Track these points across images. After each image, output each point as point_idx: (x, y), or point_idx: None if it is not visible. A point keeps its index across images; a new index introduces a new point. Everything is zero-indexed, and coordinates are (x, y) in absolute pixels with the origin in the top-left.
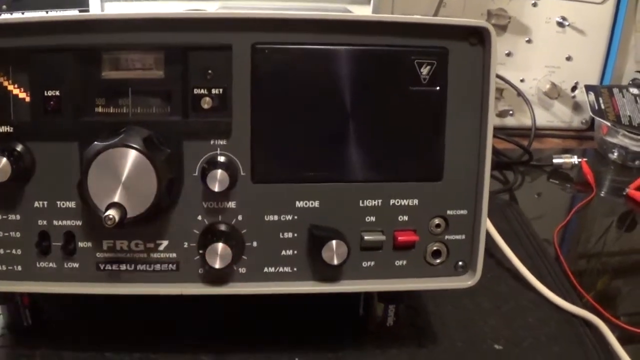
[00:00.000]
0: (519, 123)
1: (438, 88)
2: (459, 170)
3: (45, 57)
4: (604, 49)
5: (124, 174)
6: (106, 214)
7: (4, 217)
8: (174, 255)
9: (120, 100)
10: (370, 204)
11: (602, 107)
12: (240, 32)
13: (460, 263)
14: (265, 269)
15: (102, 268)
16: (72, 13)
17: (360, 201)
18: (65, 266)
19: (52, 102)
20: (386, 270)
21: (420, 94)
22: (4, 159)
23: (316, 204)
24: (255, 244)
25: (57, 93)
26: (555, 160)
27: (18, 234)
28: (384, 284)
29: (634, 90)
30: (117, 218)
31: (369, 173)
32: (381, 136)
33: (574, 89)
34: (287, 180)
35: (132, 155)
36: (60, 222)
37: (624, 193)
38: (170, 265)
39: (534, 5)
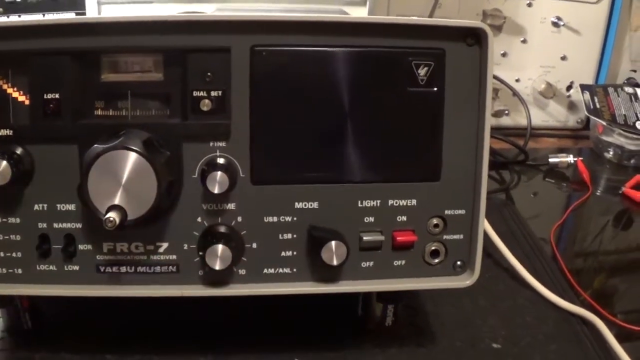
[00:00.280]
0: (514, 123)
1: (435, 89)
2: (456, 171)
3: (44, 60)
4: (598, 48)
5: (124, 176)
6: (107, 216)
7: (4, 220)
8: (174, 257)
9: (120, 103)
10: (368, 205)
11: (598, 106)
12: (239, 34)
13: (458, 263)
14: (265, 270)
15: (102, 270)
16: (68, 16)
17: (359, 202)
18: (66, 269)
19: (51, 105)
20: (385, 271)
21: (418, 95)
22: (4, 162)
23: (315, 205)
24: (254, 245)
25: (57, 96)
26: (551, 160)
27: (18, 237)
28: (383, 284)
29: (629, 90)
30: (117, 220)
31: (368, 174)
32: (379, 137)
33: (569, 88)
34: (286, 181)
35: (132, 157)
36: (60, 225)
37: (620, 192)
38: (171, 267)
39: (529, 5)
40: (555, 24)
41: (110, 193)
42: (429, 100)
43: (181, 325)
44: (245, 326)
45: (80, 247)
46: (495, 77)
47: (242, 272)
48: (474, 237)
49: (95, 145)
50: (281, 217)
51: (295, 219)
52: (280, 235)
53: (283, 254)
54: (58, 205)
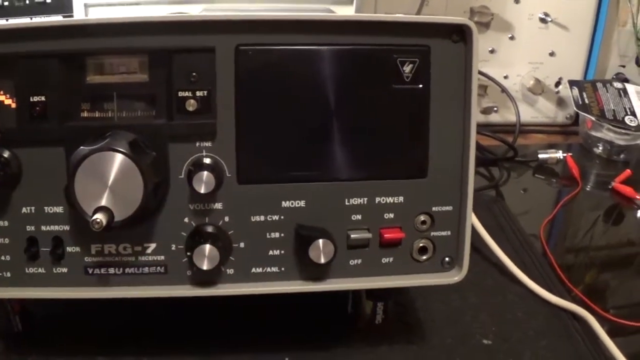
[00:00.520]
0: (503, 119)
1: (421, 86)
2: (443, 167)
3: (30, 63)
4: (587, 44)
5: (111, 178)
6: (93, 218)
7: None
8: (162, 257)
9: (106, 105)
10: (355, 202)
11: (586, 101)
12: (224, 34)
13: (446, 259)
14: (253, 270)
15: (90, 272)
16: (56, 19)
17: (346, 200)
18: (54, 271)
19: (37, 108)
20: (373, 268)
21: (404, 92)
22: None
23: (302, 203)
24: (242, 244)
25: (43, 99)
26: (540, 156)
27: (6, 240)
28: (371, 282)
29: (618, 85)
30: (104, 222)
31: (354, 172)
32: (365, 135)
33: (557, 84)
34: (273, 180)
35: (118, 159)
36: (48, 227)
37: (610, 187)
38: (159, 267)
39: (516, 1)
40: (543, 20)
41: (96, 194)
42: (415, 98)
43: (172, 325)
44: (236, 326)
45: (69, 249)
46: (483, 74)
47: (230, 271)
48: (461, 233)
49: (81, 147)
50: (268, 216)
51: (282, 217)
52: (267, 234)
53: (271, 253)
54: (46, 208)
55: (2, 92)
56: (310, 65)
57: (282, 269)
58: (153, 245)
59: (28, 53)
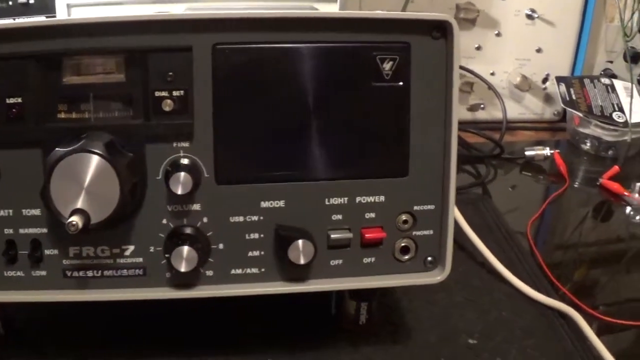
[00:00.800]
0: (490, 116)
1: (401, 83)
2: (424, 165)
3: (6, 65)
4: (574, 40)
5: (87, 179)
6: (69, 220)
7: None
8: (141, 260)
9: (83, 106)
10: (336, 202)
11: (574, 97)
12: (200, 33)
13: (429, 258)
14: (233, 271)
15: (69, 275)
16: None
17: (326, 199)
18: (33, 274)
19: (14, 110)
20: (355, 268)
21: (384, 90)
22: None
23: (281, 203)
24: (221, 246)
25: (19, 100)
26: (527, 153)
27: None
28: (353, 282)
29: (606, 81)
30: (80, 224)
31: (334, 171)
32: (345, 133)
33: (545, 80)
34: (252, 180)
35: (93, 160)
36: (26, 230)
37: (598, 183)
38: (137, 270)
39: None
40: (529, 16)
41: (72, 197)
42: (395, 95)
43: (154, 326)
44: (218, 327)
45: (47, 252)
46: (469, 71)
47: (209, 273)
48: (444, 232)
49: (57, 149)
50: (247, 217)
51: (261, 218)
52: (246, 235)
53: (250, 254)
54: (24, 211)
55: None
56: (289, 63)
57: (262, 270)
58: (131, 248)
59: (4, 54)
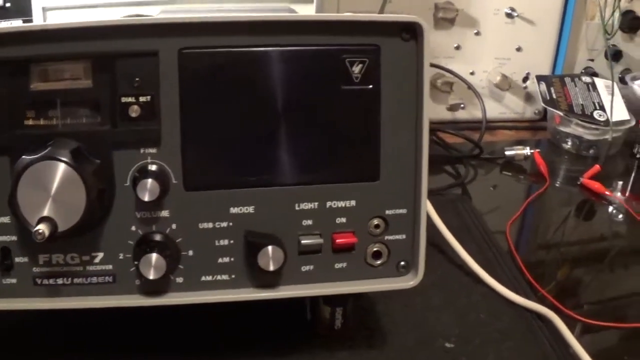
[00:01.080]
0: (471, 116)
1: (371, 86)
2: (396, 169)
3: None
4: (554, 38)
5: (53, 187)
6: (36, 228)
7: None
8: (110, 267)
9: (50, 112)
10: (306, 207)
11: (554, 96)
12: (166, 37)
13: (402, 263)
14: (203, 278)
15: (39, 283)
16: (16, 23)
17: (296, 205)
18: (3, 282)
19: None
20: (326, 274)
21: (353, 93)
22: None
23: (251, 209)
24: (191, 252)
25: None
26: (507, 153)
27: None
28: (324, 288)
29: (587, 79)
30: (47, 232)
31: (304, 176)
32: (315, 138)
33: (525, 79)
34: (221, 186)
35: (60, 168)
36: None
37: (578, 182)
38: (107, 277)
39: None
40: (509, 15)
41: (39, 204)
42: (365, 98)
43: (125, 334)
44: (191, 334)
45: (17, 259)
46: (449, 71)
47: (179, 280)
48: (416, 236)
49: (23, 156)
50: (216, 223)
51: (231, 224)
52: (216, 242)
53: (220, 260)
54: None
55: None
56: (257, 67)
57: (233, 276)
58: (101, 255)
59: None
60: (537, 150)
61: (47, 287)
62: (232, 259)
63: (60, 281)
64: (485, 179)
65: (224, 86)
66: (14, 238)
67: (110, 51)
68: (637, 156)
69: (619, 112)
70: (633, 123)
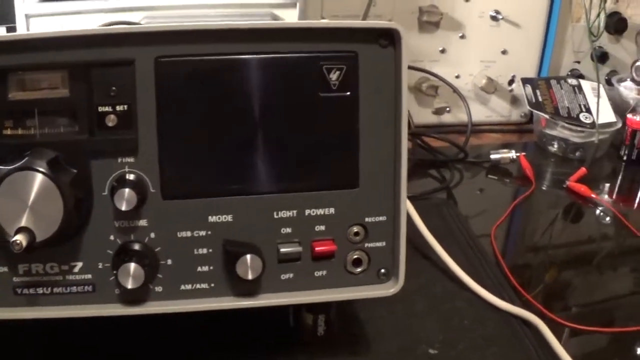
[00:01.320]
0: (457, 119)
1: (349, 93)
2: (375, 176)
3: None
4: (540, 41)
5: (30, 197)
6: (13, 239)
7: None
8: (89, 276)
9: (28, 122)
10: (285, 215)
11: (540, 99)
12: (142, 46)
13: (382, 270)
14: (182, 287)
15: (19, 292)
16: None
17: (275, 213)
18: None
19: None
20: (306, 282)
21: (331, 100)
22: None
23: (229, 218)
24: (169, 261)
25: None
26: (492, 156)
27: None
28: (304, 296)
29: (573, 81)
30: (24, 243)
31: (283, 184)
32: (293, 145)
33: (511, 82)
34: (199, 195)
35: (37, 178)
36: None
37: (565, 185)
38: (86, 286)
39: (466, 0)
40: (494, 18)
41: (17, 215)
42: (343, 106)
43: (106, 343)
44: (173, 342)
45: None
46: (434, 75)
47: (158, 289)
48: (396, 243)
49: (0, 167)
50: (195, 232)
51: (209, 233)
52: (195, 251)
53: (199, 269)
54: None
55: None
56: (234, 75)
57: (212, 285)
58: (80, 264)
59: None
60: (523, 153)
61: (27, 296)
62: (211, 268)
63: (40, 291)
64: (471, 182)
65: (201, 94)
66: None
67: (86, 60)
68: (624, 158)
69: (605, 114)
70: (619, 125)
